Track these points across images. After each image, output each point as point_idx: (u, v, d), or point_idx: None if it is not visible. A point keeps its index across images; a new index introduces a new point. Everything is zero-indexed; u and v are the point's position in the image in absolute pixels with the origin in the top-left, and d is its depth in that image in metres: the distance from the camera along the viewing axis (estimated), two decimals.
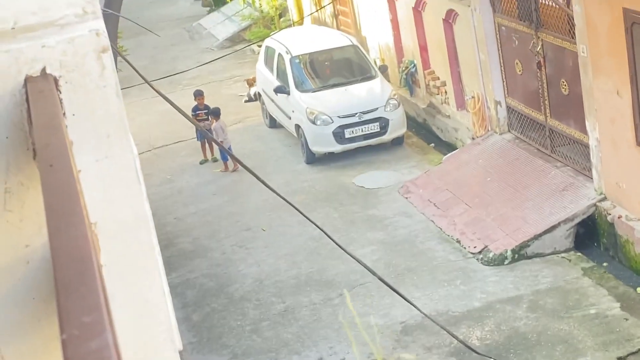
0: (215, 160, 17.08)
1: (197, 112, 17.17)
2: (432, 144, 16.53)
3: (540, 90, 13.37)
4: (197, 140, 17.34)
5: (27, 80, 1.99)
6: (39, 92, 1.95)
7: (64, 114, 2.02)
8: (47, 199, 1.64)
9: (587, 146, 12.28)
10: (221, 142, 15.92)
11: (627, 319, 10.40)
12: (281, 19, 24.39)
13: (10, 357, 2.03)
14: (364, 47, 18.54)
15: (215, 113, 16.52)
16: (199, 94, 17.36)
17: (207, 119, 17.02)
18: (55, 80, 2.01)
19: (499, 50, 14.17)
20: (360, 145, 16.14)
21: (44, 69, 2.01)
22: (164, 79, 16.97)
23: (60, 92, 2.02)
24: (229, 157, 15.85)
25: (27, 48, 2.00)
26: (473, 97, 14.97)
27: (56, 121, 1.85)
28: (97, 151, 2.08)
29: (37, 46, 2.01)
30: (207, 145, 17.17)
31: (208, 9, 29.09)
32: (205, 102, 17.38)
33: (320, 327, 11.19)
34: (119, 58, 9.17)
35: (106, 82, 2.07)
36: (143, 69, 9.03)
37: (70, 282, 1.41)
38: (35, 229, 2.02)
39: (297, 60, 17.13)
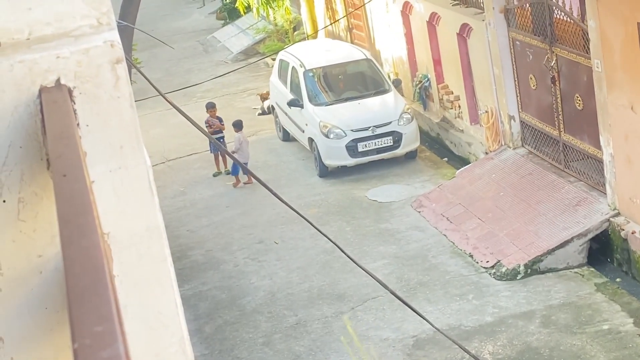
0: (228, 172, 17.10)
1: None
2: (446, 158, 16.51)
3: (554, 105, 13.34)
4: (211, 152, 17.37)
5: (42, 90, 2.00)
6: (53, 102, 1.96)
7: (78, 124, 2.02)
8: (60, 209, 1.64)
9: (600, 161, 12.24)
10: (234, 152, 16.00)
11: None
12: (295, 33, 24.44)
13: None
14: (378, 60, 18.56)
15: (237, 125, 16.63)
16: (210, 106, 17.41)
17: (221, 132, 17.07)
18: (70, 91, 2.02)
19: (513, 64, 14.16)
20: (374, 159, 16.13)
21: (58, 80, 2.02)
22: (178, 92, 17.03)
23: (75, 103, 2.03)
24: (242, 170, 15.85)
25: (41, 59, 2.01)
26: (487, 111, 14.95)
27: (70, 132, 1.86)
28: (110, 162, 2.08)
29: (51, 57, 2.02)
30: (220, 157, 17.20)
31: (222, 22, 29.17)
32: (218, 114, 17.42)
33: (331, 341, 11.17)
34: (133, 70, 9.21)
35: (120, 93, 2.07)
36: (157, 81, 9.08)
37: (82, 292, 1.42)
38: (48, 239, 2.03)
39: (311, 74, 17.15)
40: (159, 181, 15.27)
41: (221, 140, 16.93)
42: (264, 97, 20.23)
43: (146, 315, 2.20)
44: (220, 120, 17.27)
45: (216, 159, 17.24)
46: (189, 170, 17.65)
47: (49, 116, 1.93)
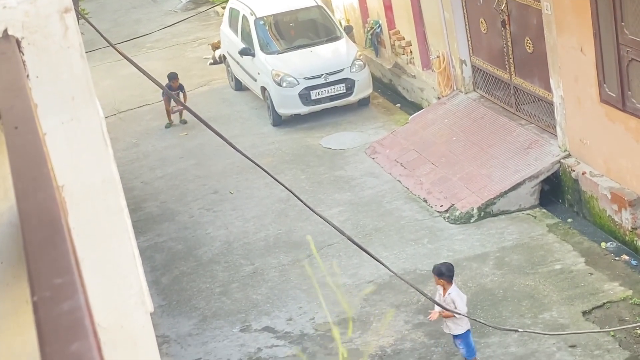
0: (184, 122, 16.94)
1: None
2: (398, 104, 16.55)
3: (505, 49, 13.40)
4: (163, 96, 16.83)
5: None
6: (2, 54, 1.92)
7: (28, 76, 1.99)
8: (13, 162, 1.62)
9: (551, 104, 12.36)
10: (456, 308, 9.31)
11: (591, 274, 10.55)
12: None
13: None
14: (329, 7, 18.44)
15: (442, 273, 9.26)
16: (173, 77, 16.78)
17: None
18: (18, 42, 1.98)
19: (463, 8, 14.16)
20: (327, 106, 16.11)
21: (5, 31, 1.98)
22: (128, 42, 16.79)
23: (23, 54, 2.00)
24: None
25: None
26: (438, 56, 14.97)
27: (20, 83, 1.82)
28: (62, 113, 2.06)
29: None
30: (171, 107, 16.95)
31: None
32: (180, 82, 16.95)
33: (289, 288, 11.25)
34: (81, 21, 9.04)
35: (70, 44, 2.04)
36: (105, 32, 8.93)
37: (40, 245, 1.40)
38: (2, 193, 2.00)
39: (262, 22, 17.01)
40: (110, 133, 15.09)
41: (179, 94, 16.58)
42: (216, 47, 20.03)
43: (104, 268, 2.20)
44: (182, 88, 16.83)
45: (168, 113, 16.94)
46: (140, 121, 17.48)
47: None
